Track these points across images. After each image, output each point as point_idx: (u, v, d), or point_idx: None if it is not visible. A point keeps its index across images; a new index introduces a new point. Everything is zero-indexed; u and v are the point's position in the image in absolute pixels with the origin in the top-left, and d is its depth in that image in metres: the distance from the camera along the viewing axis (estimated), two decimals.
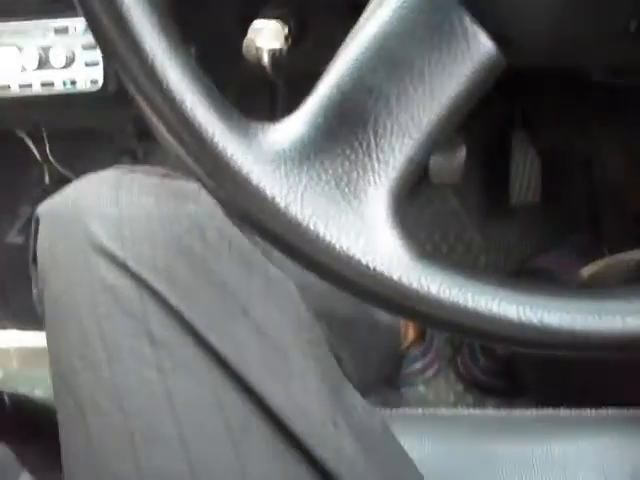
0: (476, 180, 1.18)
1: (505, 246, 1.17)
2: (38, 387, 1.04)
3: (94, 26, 0.30)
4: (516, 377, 1.03)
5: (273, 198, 0.29)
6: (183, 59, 0.29)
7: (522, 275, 1.11)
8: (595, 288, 0.31)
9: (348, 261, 0.29)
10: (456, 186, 1.15)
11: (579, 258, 1.00)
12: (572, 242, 1.11)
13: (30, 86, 0.63)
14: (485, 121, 1.13)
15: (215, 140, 0.28)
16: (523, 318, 0.29)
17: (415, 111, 0.30)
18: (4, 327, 1.14)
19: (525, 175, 1.13)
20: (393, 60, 0.30)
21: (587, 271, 0.79)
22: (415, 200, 1.15)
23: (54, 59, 0.62)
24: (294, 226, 0.29)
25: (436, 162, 1.00)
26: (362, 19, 0.32)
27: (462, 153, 1.02)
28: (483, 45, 0.30)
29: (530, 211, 1.16)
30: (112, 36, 0.29)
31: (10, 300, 1.16)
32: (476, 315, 0.29)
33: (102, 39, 0.30)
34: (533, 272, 1.08)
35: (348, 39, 0.31)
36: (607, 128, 1.12)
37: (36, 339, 1.11)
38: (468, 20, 0.30)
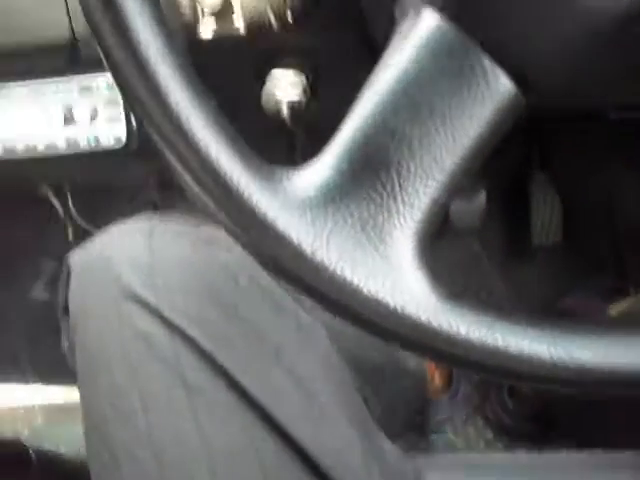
0: (497, 223, 1.18)
1: (529, 288, 1.16)
2: (63, 444, 1.04)
3: (119, 79, 0.31)
4: (547, 421, 1.01)
5: (300, 244, 0.29)
6: (207, 109, 0.30)
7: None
8: (627, 324, 0.31)
9: (376, 304, 0.29)
10: (477, 229, 1.15)
11: (604, 298, 0.99)
12: (596, 282, 1.10)
13: (55, 145, 0.64)
14: (504, 164, 1.13)
15: (241, 188, 0.29)
16: (555, 357, 0.29)
17: (438, 153, 0.30)
18: (29, 382, 1.15)
19: (546, 216, 1.13)
20: (414, 103, 0.30)
21: (615, 309, 0.78)
22: (436, 244, 1.14)
23: (78, 117, 0.63)
24: (321, 271, 0.29)
25: (456, 207, 1.00)
26: (382, 63, 0.32)
27: (482, 197, 1.02)
28: (503, 86, 0.30)
29: (552, 252, 1.15)
30: (138, 88, 0.29)
31: (34, 356, 1.16)
32: (506, 355, 0.29)
33: (128, 92, 0.31)
34: (558, 315, 1.07)
35: (369, 83, 0.32)
36: (627, 165, 1.12)
37: (61, 395, 1.11)
38: (487, 61, 0.30)
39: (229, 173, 0.29)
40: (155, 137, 0.30)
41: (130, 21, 0.29)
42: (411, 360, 0.69)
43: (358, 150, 0.30)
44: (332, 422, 0.48)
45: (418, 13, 0.32)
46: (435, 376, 1.02)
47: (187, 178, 0.29)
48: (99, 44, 0.31)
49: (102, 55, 0.31)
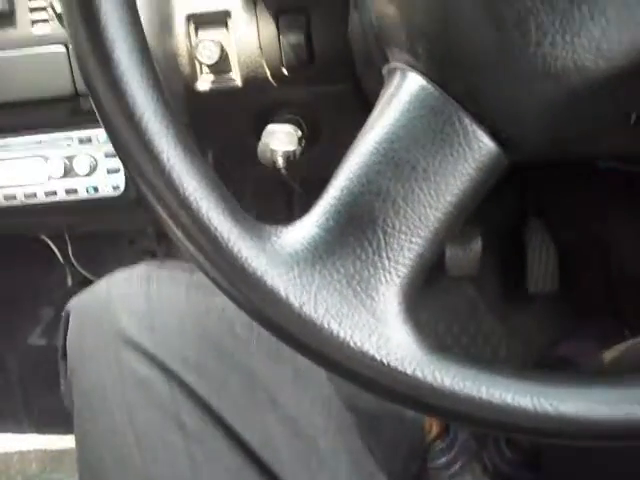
0: (493, 269, 1.18)
1: (525, 335, 1.16)
2: None
3: (114, 138, 0.32)
4: (545, 470, 1.00)
5: (287, 298, 0.30)
6: (198, 166, 0.31)
7: (544, 365, 1.10)
8: (611, 375, 0.31)
9: (363, 358, 0.30)
10: (473, 276, 1.15)
11: (600, 344, 0.99)
12: (593, 328, 1.10)
13: (55, 193, 0.66)
14: (499, 211, 1.15)
15: (230, 244, 0.30)
16: (538, 408, 0.29)
17: (422, 210, 0.31)
18: (24, 431, 1.14)
19: (542, 263, 1.13)
20: (398, 162, 0.31)
21: (608, 355, 0.78)
22: (432, 291, 1.15)
23: (78, 167, 0.64)
24: (309, 325, 0.30)
25: (452, 254, 1.01)
26: (368, 123, 0.33)
27: (478, 244, 1.03)
28: (484, 145, 0.32)
29: (549, 298, 1.15)
30: (131, 148, 0.31)
31: (31, 403, 1.16)
32: (491, 407, 0.29)
33: (121, 151, 0.32)
34: (555, 361, 1.07)
35: (355, 143, 0.33)
36: (621, 212, 1.13)
37: (55, 442, 1.10)
38: (468, 121, 0.31)
39: (219, 230, 0.30)
40: (146, 193, 0.31)
41: (126, 85, 0.30)
42: None
43: (344, 208, 0.31)
44: (331, 468, 0.48)
45: (404, 74, 0.33)
46: (432, 423, 1.01)
47: (179, 234, 0.30)
48: (93, 102, 0.32)
49: (98, 115, 0.32)
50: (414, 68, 0.32)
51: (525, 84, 0.30)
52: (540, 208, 1.14)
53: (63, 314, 0.53)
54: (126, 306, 0.48)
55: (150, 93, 0.30)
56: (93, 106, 0.32)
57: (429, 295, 1.13)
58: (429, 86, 0.32)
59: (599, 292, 1.16)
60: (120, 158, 0.33)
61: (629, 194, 1.07)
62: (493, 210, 1.08)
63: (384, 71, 0.36)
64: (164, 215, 0.31)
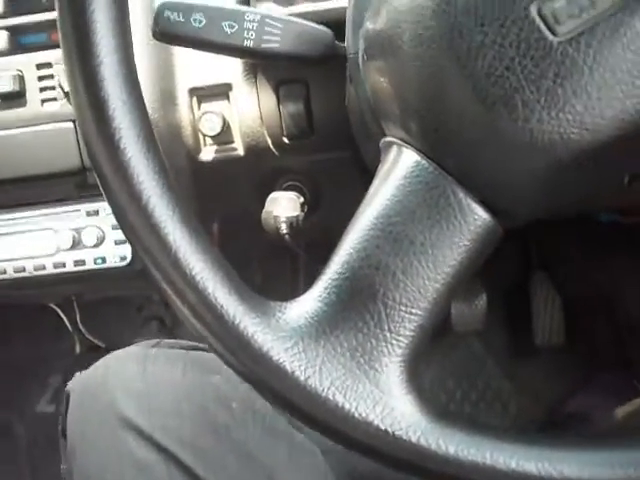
0: (499, 323, 1.18)
1: (534, 389, 1.15)
2: None
3: (121, 220, 0.33)
4: None
5: (293, 372, 0.31)
6: (204, 248, 0.32)
7: (555, 421, 1.09)
8: (616, 436, 0.32)
9: (367, 428, 0.30)
10: (480, 331, 1.15)
11: (611, 397, 0.98)
12: (602, 380, 1.10)
13: (64, 265, 0.67)
14: (503, 266, 1.15)
15: (237, 322, 0.31)
16: (543, 473, 0.30)
17: (421, 283, 0.32)
18: None
19: (547, 315, 1.13)
20: (396, 237, 0.32)
21: (621, 412, 0.78)
22: (439, 347, 1.15)
23: (86, 239, 0.66)
24: (314, 397, 0.30)
25: (458, 310, 1.01)
26: (366, 198, 0.35)
27: (483, 300, 1.03)
28: (478, 216, 0.33)
29: (556, 351, 1.15)
30: (138, 230, 0.32)
31: (38, 470, 1.15)
32: (496, 473, 0.30)
33: (129, 232, 0.33)
34: (566, 417, 1.06)
35: (354, 218, 0.34)
36: (625, 262, 1.13)
37: None
38: (462, 195, 0.32)
39: (225, 308, 0.31)
40: (154, 275, 0.32)
41: (132, 170, 0.32)
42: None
43: (345, 283, 0.32)
44: None
45: (399, 150, 0.35)
46: None
47: (186, 312, 0.31)
48: (101, 185, 0.33)
49: (105, 198, 0.33)
50: (408, 144, 0.34)
51: (514, 158, 0.31)
52: (544, 261, 1.15)
53: (64, 394, 0.54)
54: (123, 387, 0.49)
55: (156, 179, 0.32)
56: (101, 189, 0.34)
57: (436, 352, 1.13)
58: (423, 161, 0.33)
59: (607, 343, 1.16)
60: (126, 237, 0.34)
61: (631, 244, 1.07)
62: (497, 265, 1.08)
63: (381, 144, 0.38)
64: (171, 294, 0.32)
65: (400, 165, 0.34)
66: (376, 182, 0.35)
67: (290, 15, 0.53)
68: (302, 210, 0.64)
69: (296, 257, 1.01)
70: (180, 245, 0.31)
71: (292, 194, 0.65)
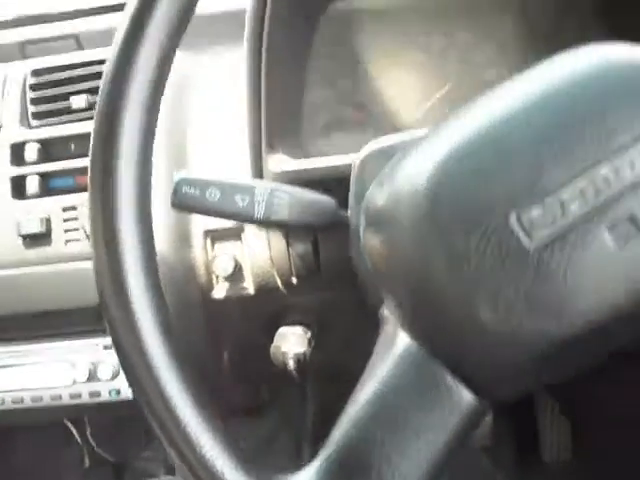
0: (506, 438, 1.18)
1: None
2: None
3: (131, 384, 0.36)
4: None
5: None
6: (213, 426, 0.35)
7: None
8: None
9: None
10: (487, 447, 1.15)
11: None
12: None
13: (79, 396, 0.70)
14: None
15: None
16: None
17: (414, 456, 0.35)
18: None
19: (554, 432, 1.14)
20: (392, 415, 0.35)
21: None
22: (448, 465, 1.14)
23: (102, 372, 0.69)
24: None
25: None
26: (365, 376, 0.37)
27: (489, 417, 1.04)
28: (465, 397, 0.35)
29: (565, 466, 1.14)
30: (154, 412, 0.35)
31: None
32: None
33: (140, 398, 0.36)
34: None
35: (354, 393, 0.37)
36: (628, 380, 1.14)
37: None
38: (450, 378, 0.35)
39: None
40: (167, 448, 0.35)
41: (141, 331, 0.35)
42: None
43: (341, 460, 0.35)
44: None
45: (396, 327, 0.38)
46: None
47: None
48: (118, 355, 0.36)
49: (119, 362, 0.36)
50: (402, 327, 0.37)
51: (498, 351, 0.34)
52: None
53: None
54: None
55: (169, 361, 0.35)
56: (116, 353, 0.37)
57: (445, 469, 1.13)
58: (416, 345, 0.36)
59: (615, 457, 1.15)
60: (136, 399, 0.37)
61: (626, 357, 1.08)
62: None
63: (380, 312, 0.40)
64: (181, 466, 0.35)
65: (397, 345, 0.37)
66: (375, 356, 0.38)
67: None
68: (309, 345, 0.67)
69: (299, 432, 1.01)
70: (191, 426, 0.34)
71: (299, 329, 0.67)
